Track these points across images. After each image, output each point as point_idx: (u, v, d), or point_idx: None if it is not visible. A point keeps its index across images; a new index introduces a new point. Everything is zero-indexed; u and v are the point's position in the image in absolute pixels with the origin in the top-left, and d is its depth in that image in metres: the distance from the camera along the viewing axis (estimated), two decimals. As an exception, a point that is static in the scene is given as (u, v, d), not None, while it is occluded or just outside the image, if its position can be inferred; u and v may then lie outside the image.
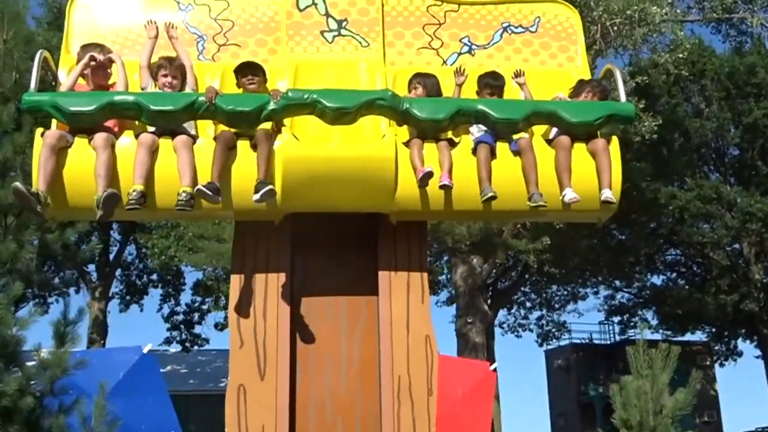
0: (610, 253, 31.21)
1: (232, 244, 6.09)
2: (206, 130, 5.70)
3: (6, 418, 5.31)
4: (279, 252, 5.90)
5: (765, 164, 30.18)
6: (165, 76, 5.68)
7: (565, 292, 37.62)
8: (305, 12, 6.24)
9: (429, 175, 5.50)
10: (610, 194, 5.63)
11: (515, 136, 5.79)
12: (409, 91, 5.97)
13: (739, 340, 35.83)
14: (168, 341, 30.97)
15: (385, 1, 6.39)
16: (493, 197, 5.55)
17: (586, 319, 49.58)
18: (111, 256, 28.73)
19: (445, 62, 6.37)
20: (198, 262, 23.28)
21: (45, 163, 5.18)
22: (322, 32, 6.22)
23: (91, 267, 28.23)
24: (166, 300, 30.83)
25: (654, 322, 35.64)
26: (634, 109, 6.16)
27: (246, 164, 5.42)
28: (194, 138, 5.51)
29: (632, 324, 35.70)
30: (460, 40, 6.47)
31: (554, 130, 5.90)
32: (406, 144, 5.67)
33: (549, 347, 43.01)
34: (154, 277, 30.66)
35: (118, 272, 29.86)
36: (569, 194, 5.59)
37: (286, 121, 5.54)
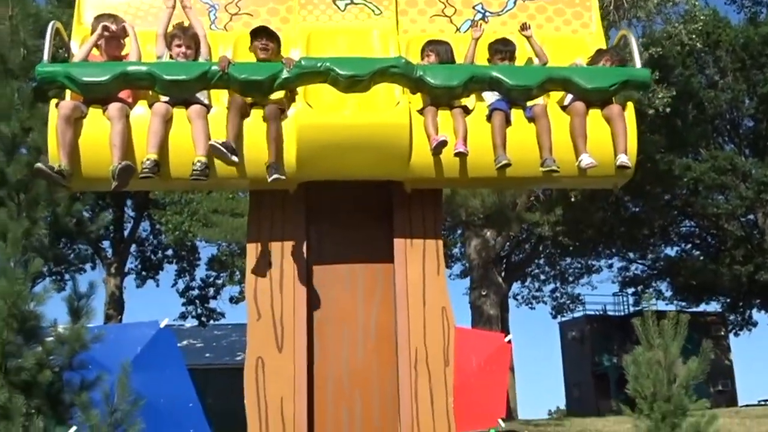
0: (624, 225, 31.19)
1: (248, 214, 6.09)
2: (220, 99, 5.69)
3: (26, 392, 5.34)
4: (294, 221, 5.90)
5: (780, 134, 30.00)
6: (179, 45, 5.66)
7: (579, 265, 37.68)
8: (317, -20, 6.19)
9: (443, 143, 5.47)
10: (626, 159, 5.58)
11: (530, 103, 5.75)
12: (422, 59, 5.92)
13: (754, 311, 35.86)
14: (183, 316, 31.26)
15: (398, -31, 6.34)
16: (508, 164, 5.52)
17: (600, 291, 49.63)
18: (126, 233, 28.91)
19: (458, 29, 6.31)
20: (212, 237, 23.40)
21: (63, 135, 5.18)
22: (334, 0, 6.18)
23: (106, 243, 28.45)
24: (181, 275, 31.05)
25: (668, 294, 35.69)
26: (649, 75, 6.10)
27: (260, 132, 5.40)
28: (208, 107, 5.50)
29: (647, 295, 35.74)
30: (474, 7, 6.41)
31: (569, 96, 5.86)
32: (420, 111, 5.64)
33: (563, 319, 43.18)
34: (169, 252, 30.88)
35: (133, 248, 30.07)
36: (586, 159, 5.55)
37: (300, 90, 5.52)
